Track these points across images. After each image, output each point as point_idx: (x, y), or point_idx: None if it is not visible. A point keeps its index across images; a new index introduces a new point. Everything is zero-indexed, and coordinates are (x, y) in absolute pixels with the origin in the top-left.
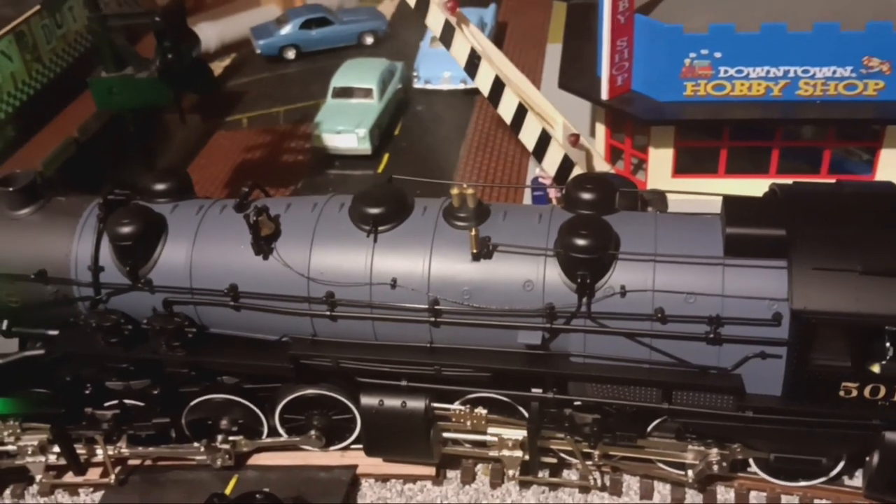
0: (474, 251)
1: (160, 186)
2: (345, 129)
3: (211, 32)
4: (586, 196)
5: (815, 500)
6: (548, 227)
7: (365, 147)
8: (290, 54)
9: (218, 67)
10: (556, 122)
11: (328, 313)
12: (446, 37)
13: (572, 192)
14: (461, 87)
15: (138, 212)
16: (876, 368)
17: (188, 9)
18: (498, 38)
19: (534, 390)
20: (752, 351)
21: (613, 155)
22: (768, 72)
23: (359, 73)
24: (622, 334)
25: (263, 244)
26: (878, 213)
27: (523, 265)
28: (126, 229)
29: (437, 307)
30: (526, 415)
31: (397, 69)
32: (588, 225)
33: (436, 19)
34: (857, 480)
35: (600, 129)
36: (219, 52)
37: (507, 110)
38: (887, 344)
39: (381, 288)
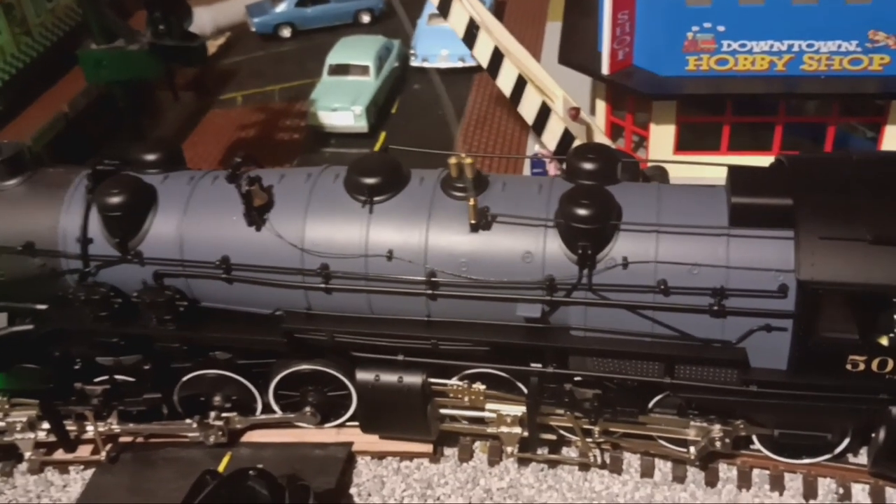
0: (472, 222)
1: (150, 157)
2: (341, 107)
3: (206, 16)
4: (588, 166)
5: (820, 478)
6: (548, 197)
7: (361, 125)
8: (286, 32)
9: (213, 46)
10: (556, 96)
11: (322, 286)
12: (444, 6)
13: (573, 162)
14: (459, 64)
15: (128, 182)
16: (884, 341)
17: None
18: (497, 16)
19: (533, 365)
20: (757, 323)
21: (614, 132)
22: (772, 46)
23: (355, 51)
24: (624, 307)
25: (256, 215)
26: (887, 182)
27: (523, 236)
28: (115, 199)
29: (434, 279)
30: (525, 390)
31: (394, 47)
32: (589, 195)
33: None
34: (862, 458)
35: (601, 105)
36: (214, 35)
37: (506, 82)
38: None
39: (377, 260)
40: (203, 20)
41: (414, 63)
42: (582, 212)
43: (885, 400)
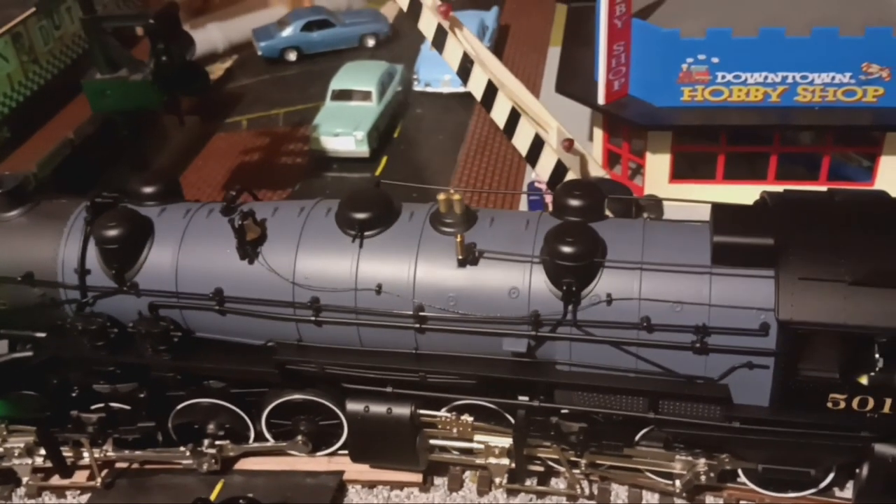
0: (460, 257)
1: (148, 189)
2: (343, 132)
3: (218, 34)
4: (574, 202)
5: None
6: (534, 233)
7: (363, 150)
8: (292, 56)
9: (219, 69)
10: (550, 127)
11: (313, 318)
12: (439, 41)
13: (560, 198)
14: (461, 89)
15: (125, 215)
16: (864, 380)
17: (196, 9)
18: (500, 42)
19: (520, 398)
20: (740, 361)
21: (611, 160)
22: (766, 77)
23: (358, 76)
24: (608, 342)
25: (249, 248)
26: (868, 223)
27: (509, 272)
28: (112, 232)
29: (422, 313)
30: (512, 422)
31: (397, 72)
32: (574, 232)
33: (428, 23)
34: (848, 492)
35: (598, 133)
36: (227, 52)
37: (499, 115)
38: (876, 355)
39: (367, 293)
40: (214, 37)
41: (417, 87)
42: (567, 249)
43: (867, 437)
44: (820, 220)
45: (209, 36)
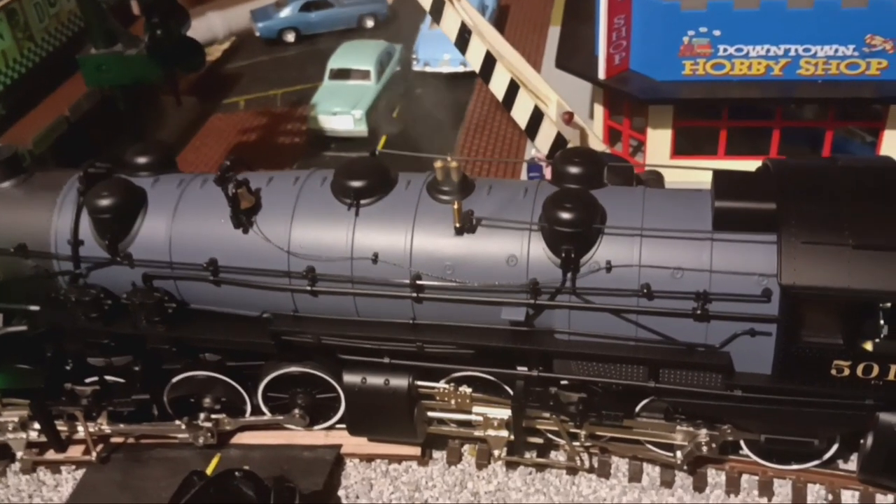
0: (457, 225)
1: (141, 160)
2: (341, 111)
3: (219, 21)
4: (573, 170)
5: (809, 484)
6: (533, 201)
7: (361, 129)
8: (290, 37)
9: (217, 51)
10: (549, 100)
11: (309, 288)
12: (436, 11)
13: (559, 165)
14: (460, 69)
15: (117, 185)
16: (869, 346)
17: None
18: (499, 22)
19: (519, 368)
20: (741, 328)
21: (612, 136)
22: (768, 50)
23: (356, 55)
24: (607, 311)
25: (243, 217)
26: (872, 187)
27: (507, 240)
28: (104, 202)
29: (419, 282)
30: (511, 393)
31: (396, 51)
32: (573, 198)
33: None
34: (852, 464)
35: (599, 110)
36: (227, 39)
37: (498, 86)
38: (881, 321)
39: (363, 262)
40: (215, 24)
41: (416, 67)
42: (565, 215)
43: (872, 406)
44: (823, 186)
45: (210, 22)
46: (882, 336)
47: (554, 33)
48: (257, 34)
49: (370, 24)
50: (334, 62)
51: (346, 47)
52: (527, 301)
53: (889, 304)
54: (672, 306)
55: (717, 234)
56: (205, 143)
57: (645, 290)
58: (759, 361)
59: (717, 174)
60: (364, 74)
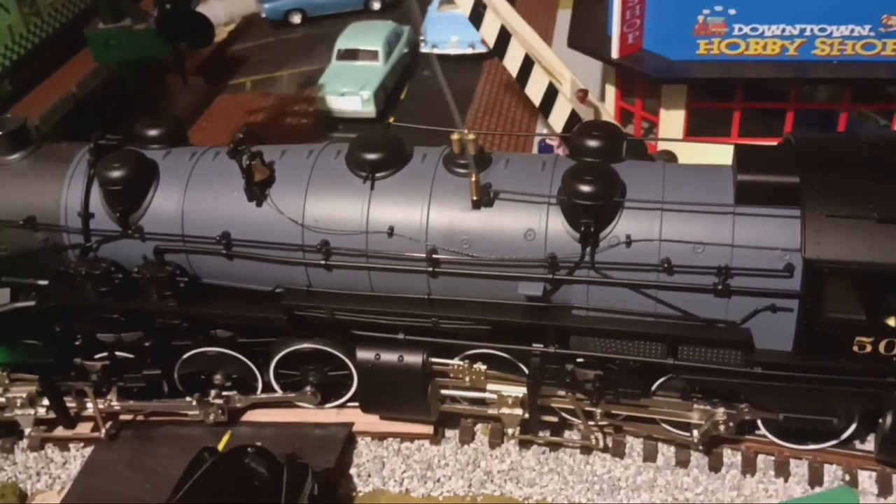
0: (474, 199)
1: (153, 132)
2: (349, 91)
3: (220, 8)
4: (592, 143)
5: (826, 465)
6: (551, 174)
7: (369, 110)
8: (296, 18)
9: (223, 31)
10: (563, 78)
11: (323, 262)
12: None
13: (577, 139)
14: (468, 51)
15: (129, 156)
16: (892, 322)
17: None
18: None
19: (535, 345)
20: (763, 304)
21: (624, 118)
22: (784, 30)
23: (364, 36)
24: (626, 286)
25: (257, 190)
26: (895, 162)
27: (525, 213)
28: (116, 173)
29: (435, 257)
30: (526, 371)
31: (404, 32)
32: (593, 171)
33: None
34: (869, 444)
35: (610, 91)
36: (229, 24)
37: (513, 62)
38: None
39: (378, 236)
40: (217, 12)
41: (424, 49)
42: (585, 188)
43: (893, 384)
44: (846, 160)
45: (211, 10)
46: None
47: (563, 16)
48: (263, 15)
49: (377, 6)
50: (342, 42)
51: (354, 28)
52: (544, 276)
53: None
54: (692, 281)
55: (739, 209)
56: (211, 123)
57: (665, 265)
58: (779, 338)
59: (739, 148)
60: (372, 55)
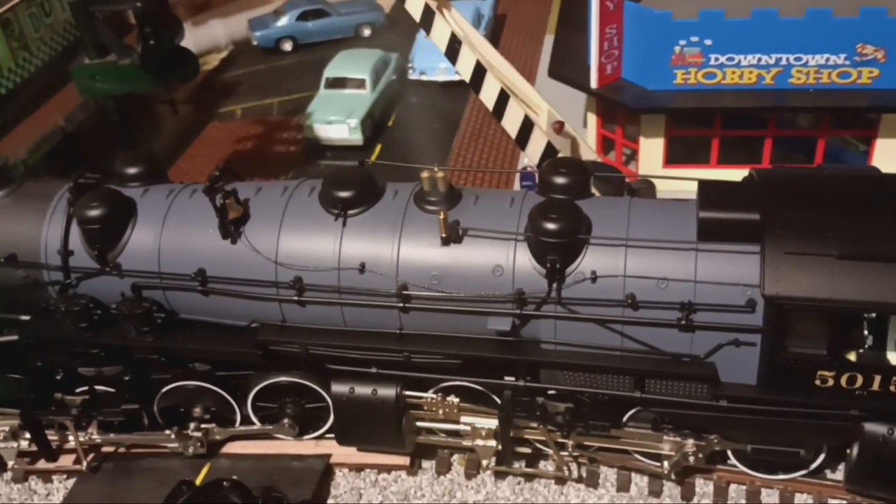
0: (444, 235)
1: (131, 170)
2: (336, 120)
3: (220, 30)
4: (559, 180)
5: (796, 493)
6: (519, 211)
7: (356, 137)
8: (287, 46)
9: (214, 59)
10: (540, 109)
11: (296, 298)
12: (426, 21)
13: (545, 175)
14: (456, 78)
15: (107, 195)
16: (853, 357)
17: (198, 6)
18: (496, 30)
19: (506, 378)
20: (726, 338)
21: (605, 145)
22: (760, 59)
23: (352, 64)
24: (593, 321)
25: (231, 228)
26: (856, 197)
27: (493, 250)
28: (93, 212)
29: (405, 292)
30: (499, 402)
31: (392, 60)
32: (558, 209)
33: (415, 4)
34: (839, 474)
35: (592, 119)
36: (227, 47)
37: (489, 96)
38: (865, 331)
39: (350, 273)
40: (218, 33)
41: (412, 76)
42: (550, 226)
43: (857, 416)
44: (807, 196)
45: (211, 32)
46: (866, 346)
47: (550, 42)
48: (255, 43)
49: (367, 33)
50: (330, 71)
51: (342, 56)
52: (513, 311)
53: (873, 315)
54: (657, 316)
55: (702, 245)
56: (201, 151)
57: (630, 301)
58: (744, 372)
59: (703, 184)
60: (360, 83)
